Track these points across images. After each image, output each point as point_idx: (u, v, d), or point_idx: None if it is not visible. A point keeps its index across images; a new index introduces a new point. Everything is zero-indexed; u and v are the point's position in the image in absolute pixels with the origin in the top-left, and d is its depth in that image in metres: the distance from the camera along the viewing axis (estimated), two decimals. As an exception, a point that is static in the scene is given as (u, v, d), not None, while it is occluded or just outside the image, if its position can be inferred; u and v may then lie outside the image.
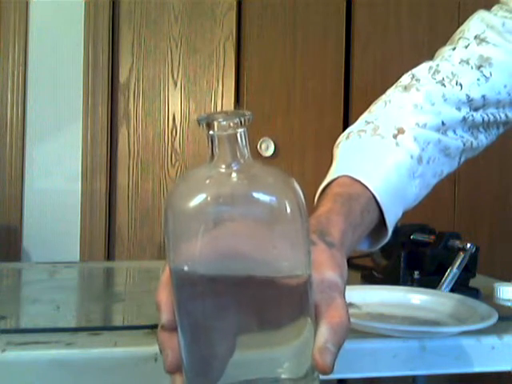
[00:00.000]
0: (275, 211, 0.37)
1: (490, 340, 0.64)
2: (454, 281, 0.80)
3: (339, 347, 0.41)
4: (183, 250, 0.38)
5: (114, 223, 1.66)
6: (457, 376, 0.65)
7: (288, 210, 0.37)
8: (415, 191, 0.67)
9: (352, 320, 0.62)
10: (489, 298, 0.83)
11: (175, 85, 1.68)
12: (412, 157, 0.65)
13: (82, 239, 1.63)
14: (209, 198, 0.37)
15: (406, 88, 0.72)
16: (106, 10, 1.63)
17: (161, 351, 0.40)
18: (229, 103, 1.68)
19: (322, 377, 0.46)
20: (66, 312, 0.75)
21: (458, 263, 0.81)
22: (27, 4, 1.62)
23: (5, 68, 1.61)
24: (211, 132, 0.39)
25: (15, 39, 1.61)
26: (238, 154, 0.38)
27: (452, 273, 0.80)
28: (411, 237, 0.93)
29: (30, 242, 1.62)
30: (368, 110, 0.72)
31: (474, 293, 0.84)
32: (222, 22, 1.68)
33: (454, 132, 0.72)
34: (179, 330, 0.38)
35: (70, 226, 1.63)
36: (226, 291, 0.37)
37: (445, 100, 0.70)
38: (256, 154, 1.67)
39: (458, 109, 0.71)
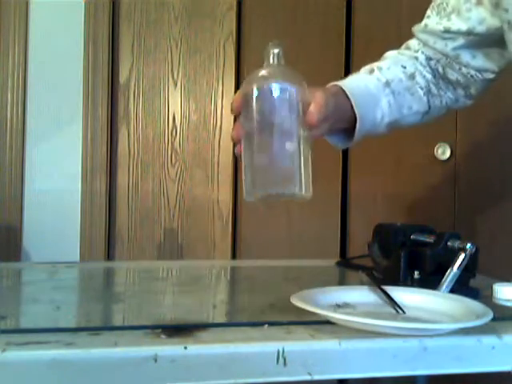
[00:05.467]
0: (290, 91, 0.75)
1: (490, 340, 0.64)
2: (453, 281, 0.80)
3: (322, 117, 0.77)
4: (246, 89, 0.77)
5: (114, 223, 1.66)
6: (457, 376, 0.65)
7: (298, 91, 0.75)
8: (386, 105, 0.94)
9: (349, 318, 0.63)
10: (489, 298, 0.83)
11: (175, 85, 1.68)
12: (379, 79, 0.95)
13: (82, 239, 1.63)
14: (258, 86, 0.75)
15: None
16: (106, 10, 1.63)
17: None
18: (229, 103, 1.68)
19: (321, 377, 0.53)
20: (66, 312, 0.75)
21: (457, 263, 0.81)
22: (27, 4, 1.62)
23: (5, 68, 1.61)
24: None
25: (15, 39, 1.61)
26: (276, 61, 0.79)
27: (452, 273, 0.80)
28: (411, 237, 0.93)
29: (29, 242, 1.62)
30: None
31: (474, 293, 0.84)
32: (221, 21, 1.68)
33: (422, 77, 1.00)
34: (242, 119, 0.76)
35: (69, 226, 1.63)
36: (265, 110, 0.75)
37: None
38: (256, 154, 1.67)
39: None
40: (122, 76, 1.67)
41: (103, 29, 1.63)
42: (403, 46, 1.06)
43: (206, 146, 1.68)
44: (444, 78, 1.01)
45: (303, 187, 0.75)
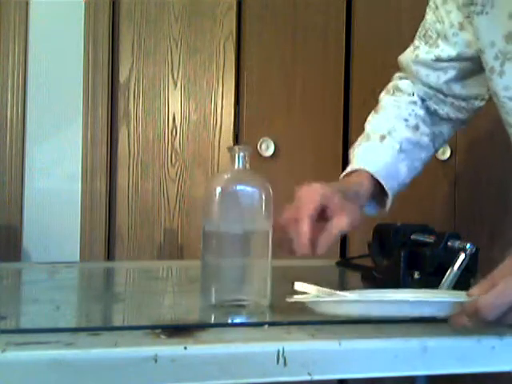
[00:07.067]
0: (255, 196, 0.74)
1: (490, 340, 0.64)
2: (454, 281, 0.80)
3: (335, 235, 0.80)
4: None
5: (113, 223, 1.66)
6: (457, 376, 0.65)
7: (262, 196, 0.74)
8: (404, 169, 0.97)
9: (355, 297, 0.65)
10: (489, 298, 0.82)
11: (175, 85, 1.68)
12: (393, 148, 0.96)
13: (82, 239, 1.63)
14: (222, 189, 0.74)
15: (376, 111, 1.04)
16: (106, 10, 1.63)
17: None
18: (229, 103, 1.68)
19: (321, 377, 0.54)
20: (66, 312, 0.75)
21: (458, 263, 0.81)
22: (27, 4, 1.62)
23: (5, 68, 1.61)
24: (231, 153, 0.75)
25: (15, 39, 1.61)
26: (241, 164, 0.75)
27: (452, 273, 0.80)
28: (411, 237, 0.93)
29: (29, 242, 1.62)
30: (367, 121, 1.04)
31: (474, 293, 0.83)
32: (221, 22, 1.68)
33: (424, 124, 1.00)
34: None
35: (70, 226, 1.63)
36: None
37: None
38: (256, 154, 1.67)
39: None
40: (122, 76, 1.67)
41: (103, 29, 1.63)
42: (392, 87, 1.05)
43: (206, 145, 1.68)
44: (437, 115, 1.02)
45: (261, 296, 0.75)
